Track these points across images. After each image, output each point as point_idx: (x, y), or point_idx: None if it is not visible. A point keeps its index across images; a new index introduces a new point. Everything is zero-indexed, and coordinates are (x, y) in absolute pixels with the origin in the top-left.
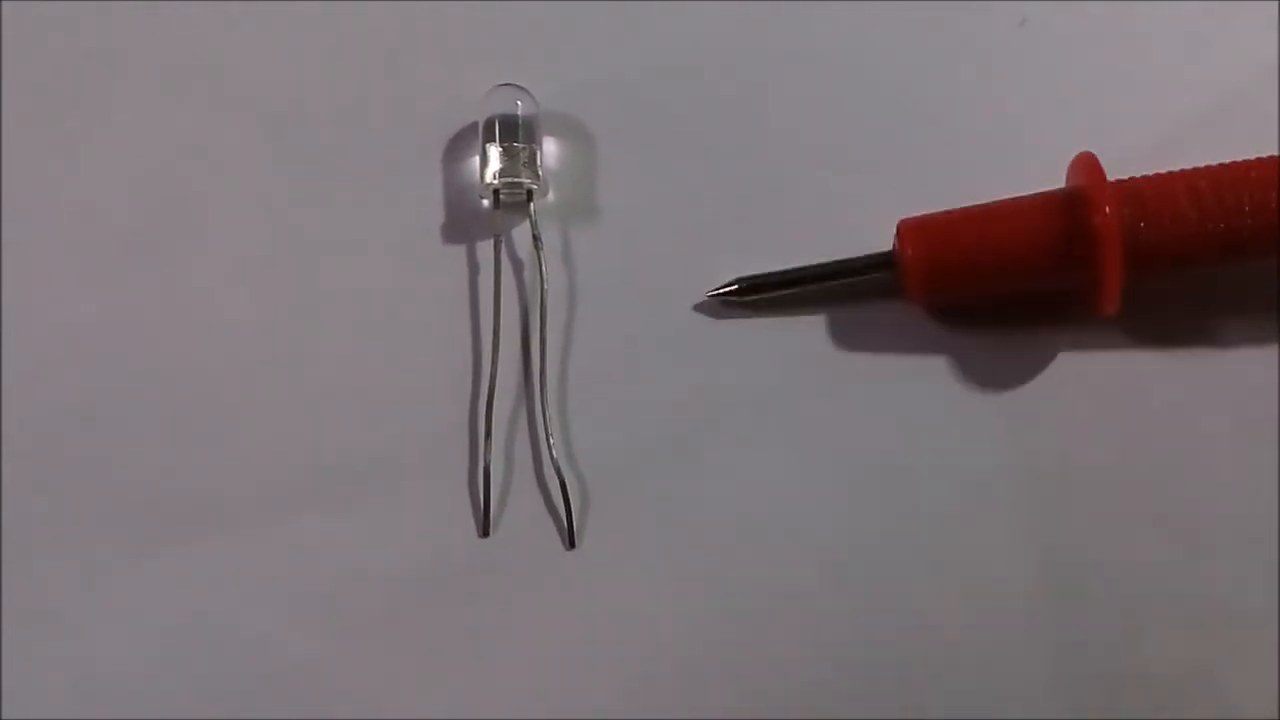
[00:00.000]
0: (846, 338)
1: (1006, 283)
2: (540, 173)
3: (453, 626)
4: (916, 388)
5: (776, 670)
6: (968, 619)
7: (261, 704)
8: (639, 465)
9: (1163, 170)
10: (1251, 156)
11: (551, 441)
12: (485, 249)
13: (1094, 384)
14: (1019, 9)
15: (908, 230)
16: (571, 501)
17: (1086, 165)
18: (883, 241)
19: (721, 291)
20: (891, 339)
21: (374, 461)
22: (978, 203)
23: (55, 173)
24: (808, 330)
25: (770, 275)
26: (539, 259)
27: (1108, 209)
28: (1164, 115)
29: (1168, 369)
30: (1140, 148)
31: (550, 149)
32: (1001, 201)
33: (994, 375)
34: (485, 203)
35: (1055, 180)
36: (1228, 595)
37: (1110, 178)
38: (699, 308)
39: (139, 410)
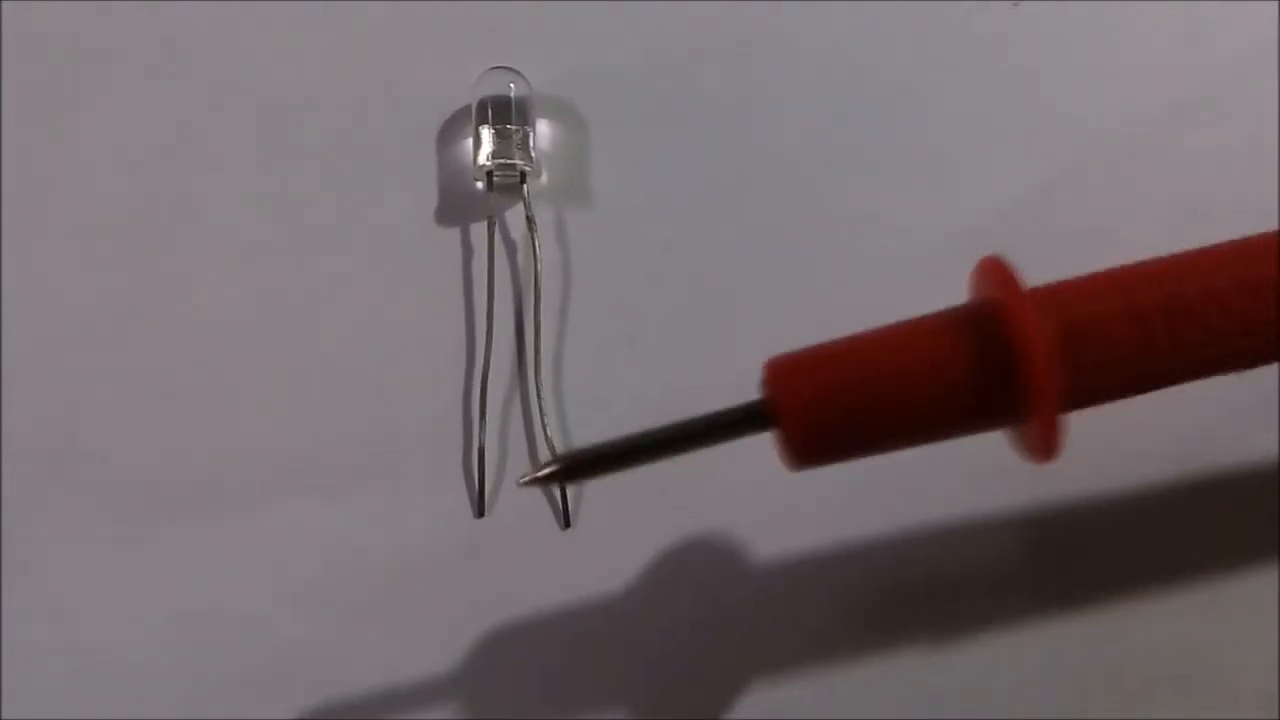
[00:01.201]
0: None
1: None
2: (533, 154)
3: (449, 607)
4: None
5: (774, 652)
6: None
7: (259, 687)
8: None
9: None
10: (1246, 148)
11: (546, 422)
12: (479, 231)
13: None
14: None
15: (779, 371)
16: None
17: (998, 273)
18: (876, 238)
19: (536, 477)
20: None
21: (369, 444)
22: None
23: (50, 162)
24: None
25: (599, 449)
26: (532, 240)
27: (1033, 326)
28: (1152, 104)
29: None
30: (1127, 138)
31: (543, 131)
32: (892, 328)
33: None
34: (479, 185)
35: (1048, 167)
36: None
37: (1100, 172)
38: (677, 310)
39: (135, 397)
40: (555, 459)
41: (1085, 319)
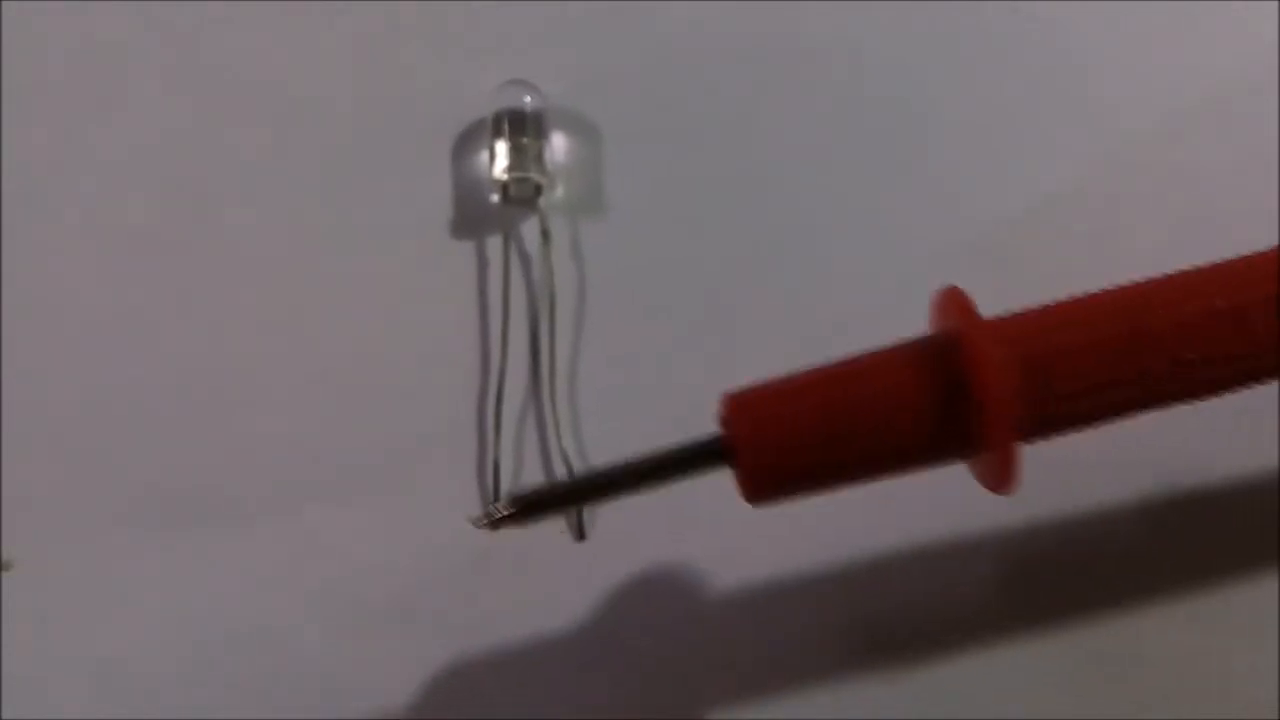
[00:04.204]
0: None
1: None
2: (549, 168)
3: (462, 619)
4: None
5: (791, 661)
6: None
7: (271, 695)
8: None
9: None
10: (1253, 157)
11: (560, 435)
12: (494, 244)
13: None
14: None
15: (735, 405)
16: None
17: (957, 304)
18: (896, 250)
19: (492, 520)
20: None
21: (384, 456)
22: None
23: (62, 168)
24: None
25: (556, 487)
26: (547, 254)
27: (992, 359)
28: (1159, 113)
29: None
30: (1133, 147)
31: (559, 144)
32: (850, 361)
33: None
34: (494, 198)
35: (1067, 167)
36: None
37: (1104, 182)
38: (692, 322)
39: (151, 404)
40: (507, 500)
41: (1048, 351)
